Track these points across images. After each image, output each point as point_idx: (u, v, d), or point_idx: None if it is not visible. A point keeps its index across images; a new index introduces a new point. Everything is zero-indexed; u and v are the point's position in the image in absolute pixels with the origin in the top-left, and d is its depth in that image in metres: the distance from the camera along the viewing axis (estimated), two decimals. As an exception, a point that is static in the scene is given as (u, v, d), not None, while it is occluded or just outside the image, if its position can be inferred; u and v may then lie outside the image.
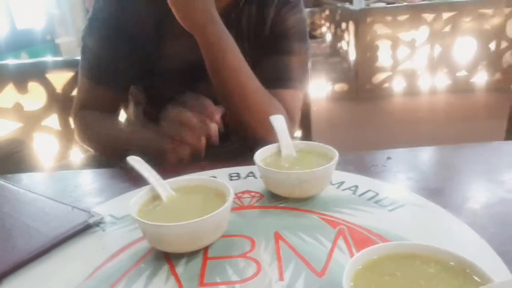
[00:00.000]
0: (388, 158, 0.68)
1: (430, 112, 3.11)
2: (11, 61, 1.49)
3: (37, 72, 1.35)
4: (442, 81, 3.30)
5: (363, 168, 0.65)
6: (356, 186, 0.58)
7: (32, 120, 1.42)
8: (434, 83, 3.32)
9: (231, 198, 0.46)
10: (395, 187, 0.58)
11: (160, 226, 0.43)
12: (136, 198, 0.47)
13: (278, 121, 0.62)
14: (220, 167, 0.66)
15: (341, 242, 0.45)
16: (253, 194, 0.58)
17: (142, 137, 0.73)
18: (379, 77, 3.24)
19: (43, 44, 3.93)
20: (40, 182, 0.72)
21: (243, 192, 0.58)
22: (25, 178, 0.71)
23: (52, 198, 0.57)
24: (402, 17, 3.05)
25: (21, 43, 3.63)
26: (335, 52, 4.10)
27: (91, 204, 0.57)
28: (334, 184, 0.59)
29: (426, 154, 0.73)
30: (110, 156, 0.80)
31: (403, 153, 0.71)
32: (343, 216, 0.51)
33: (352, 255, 0.43)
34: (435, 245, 0.34)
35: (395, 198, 0.54)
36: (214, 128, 0.65)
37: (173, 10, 0.69)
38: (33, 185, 0.68)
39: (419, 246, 0.34)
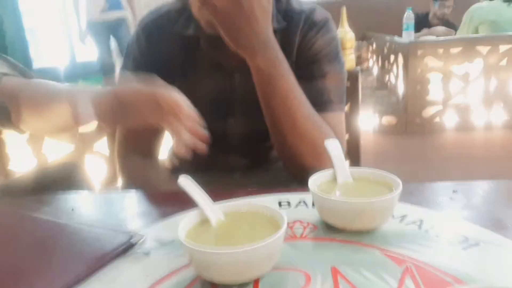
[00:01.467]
0: (454, 191, 0.61)
1: (485, 148, 2.93)
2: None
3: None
4: (498, 116, 3.13)
5: (427, 201, 0.60)
6: (421, 220, 0.52)
7: (84, 143, 1.46)
8: (489, 119, 3.15)
9: (284, 225, 0.42)
10: (465, 223, 0.52)
11: (208, 252, 0.39)
12: (184, 221, 0.45)
13: (333, 146, 0.58)
14: (268, 193, 0.63)
15: (408, 281, 0.40)
16: (305, 224, 0.53)
17: None
18: (430, 110, 3.11)
19: (99, 75, 4.15)
20: (86, 203, 0.71)
21: (295, 222, 0.54)
22: (72, 199, 0.71)
23: (91, 224, 0.55)
24: (454, 50, 2.95)
25: (79, 74, 3.85)
26: (382, 85, 4.02)
27: (137, 227, 0.55)
28: (396, 218, 0.54)
29: (494, 188, 0.66)
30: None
31: (471, 186, 0.64)
32: (409, 252, 0.45)
33: (422, 297, 0.38)
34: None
35: (467, 235, 0.48)
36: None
37: (221, 30, 0.66)
38: (79, 206, 0.68)
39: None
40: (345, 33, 1.88)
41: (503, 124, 3.15)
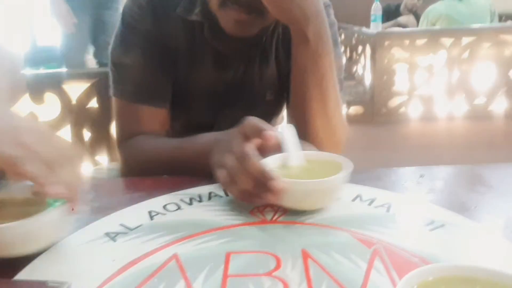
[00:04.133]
0: (421, 175, 0.63)
1: (447, 137, 3.03)
2: (28, 71, 1.49)
3: (54, 83, 1.34)
4: (460, 107, 3.24)
5: (394, 185, 0.61)
6: (389, 204, 0.53)
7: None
8: (452, 109, 3.26)
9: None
10: (432, 206, 0.53)
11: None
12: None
13: (289, 132, 0.57)
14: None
15: (378, 262, 0.41)
16: (276, 208, 0.53)
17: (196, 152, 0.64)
18: (396, 101, 3.19)
19: (61, 61, 3.99)
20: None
21: (265, 206, 0.53)
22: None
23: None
24: (420, 41, 3.02)
25: (41, 59, 3.69)
26: (350, 75, 4.07)
27: (104, 214, 0.53)
28: (365, 201, 0.54)
29: (457, 173, 0.68)
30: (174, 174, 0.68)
31: (437, 171, 0.66)
32: (378, 235, 0.46)
33: (390, 277, 0.38)
34: (498, 269, 0.30)
35: (433, 217, 0.49)
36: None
37: (269, 3, 0.61)
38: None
39: (481, 269, 0.29)
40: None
41: (464, 115, 3.27)
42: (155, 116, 0.77)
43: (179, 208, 0.54)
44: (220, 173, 0.53)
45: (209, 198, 0.57)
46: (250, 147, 0.52)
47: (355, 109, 3.24)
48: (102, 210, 0.54)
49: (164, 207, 0.54)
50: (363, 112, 3.24)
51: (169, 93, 0.78)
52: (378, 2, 3.55)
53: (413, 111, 3.24)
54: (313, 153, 0.59)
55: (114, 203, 0.56)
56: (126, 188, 0.65)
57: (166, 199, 0.56)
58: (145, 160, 0.73)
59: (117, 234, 0.48)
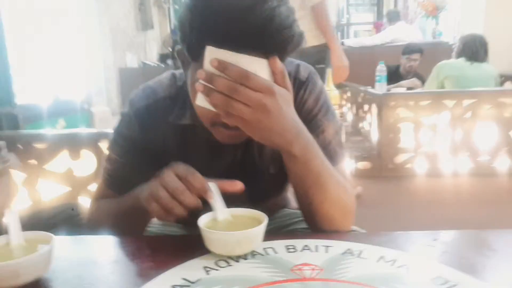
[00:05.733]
0: (435, 239, 0.72)
1: (453, 194, 3.10)
2: (67, 130, 1.62)
3: (91, 141, 1.47)
4: (464, 164, 3.35)
5: (411, 246, 0.70)
6: (409, 265, 0.62)
7: (79, 185, 1.51)
8: (456, 166, 3.36)
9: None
10: (445, 267, 0.62)
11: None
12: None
13: (214, 188, 0.68)
14: (275, 239, 0.71)
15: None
16: (312, 266, 0.62)
17: (131, 203, 0.74)
18: (402, 157, 3.30)
19: (80, 112, 4.18)
20: (105, 246, 0.77)
21: (303, 264, 0.63)
22: (91, 240, 0.77)
23: None
24: (424, 102, 3.19)
25: (62, 110, 3.87)
26: (356, 131, 4.23)
27: (164, 269, 0.62)
28: (388, 261, 0.63)
29: (468, 237, 0.77)
30: (127, 232, 0.78)
31: (448, 235, 0.75)
32: (402, 291, 0.55)
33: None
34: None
35: (447, 278, 0.58)
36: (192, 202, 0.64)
37: (252, 136, 0.66)
38: (98, 248, 0.74)
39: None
40: (330, 91, 2.04)
41: (468, 172, 3.36)
42: None
43: (229, 264, 0.63)
44: (154, 207, 0.64)
45: (253, 256, 0.66)
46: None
47: (363, 164, 3.35)
48: (161, 265, 0.63)
49: (216, 263, 0.64)
50: (370, 167, 3.34)
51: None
52: (383, 64, 3.77)
53: (419, 167, 3.35)
54: (236, 209, 0.72)
55: (172, 258, 0.65)
56: (180, 244, 0.74)
57: (218, 256, 0.65)
58: (100, 219, 0.85)
59: (182, 287, 0.57)
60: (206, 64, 0.62)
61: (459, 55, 3.44)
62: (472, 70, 3.36)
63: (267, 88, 0.62)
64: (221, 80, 0.60)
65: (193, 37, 0.66)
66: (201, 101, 0.64)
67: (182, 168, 0.66)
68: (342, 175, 0.79)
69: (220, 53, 0.61)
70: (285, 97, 0.65)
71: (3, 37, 3.65)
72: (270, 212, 0.91)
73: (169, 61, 6.41)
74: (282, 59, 0.66)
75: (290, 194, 1.04)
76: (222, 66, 0.61)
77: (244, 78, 0.60)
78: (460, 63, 3.41)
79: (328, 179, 0.73)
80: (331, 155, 0.79)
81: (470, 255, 0.67)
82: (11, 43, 4.03)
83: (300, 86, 0.82)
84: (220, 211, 0.69)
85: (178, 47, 0.73)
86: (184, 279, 0.59)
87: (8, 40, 3.74)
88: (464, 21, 5.65)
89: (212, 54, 0.62)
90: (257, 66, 0.62)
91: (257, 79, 0.61)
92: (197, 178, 0.65)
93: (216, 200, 0.68)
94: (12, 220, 0.61)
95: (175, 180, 0.64)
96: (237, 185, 0.68)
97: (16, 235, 0.61)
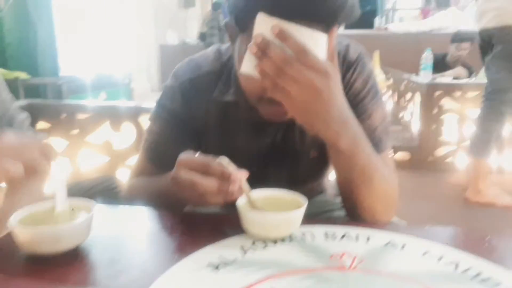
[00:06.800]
0: (488, 238, 0.67)
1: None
2: (109, 102, 1.65)
3: (132, 115, 1.49)
4: (509, 160, 3.19)
5: (461, 244, 0.66)
6: (458, 262, 0.59)
7: (119, 157, 1.54)
8: (501, 162, 3.20)
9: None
10: (499, 268, 0.58)
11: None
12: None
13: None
14: (313, 224, 0.69)
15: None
16: (353, 256, 0.59)
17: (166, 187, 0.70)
18: (443, 150, 3.18)
19: (121, 87, 4.28)
20: (143, 219, 0.77)
21: (343, 253, 0.60)
22: (130, 211, 0.78)
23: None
24: (471, 94, 3.03)
25: (103, 84, 3.98)
26: (396, 120, 4.10)
27: (201, 245, 0.61)
28: (434, 257, 0.60)
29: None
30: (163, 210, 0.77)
31: (503, 237, 0.70)
32: (450, 290, 0.51)
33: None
34: None
35: (501, 279, 0.54)
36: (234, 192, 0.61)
37: (296, 119, 0.63)
38: (136, 220, 0.75)
39: None
40: (377, 75, 1.97)
41: (514, 169, 3.20)
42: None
43: (266, 246, 0.62)
44: (188, 193, 0.62)
45: (290, 240, 0.64)
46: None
47: (401, 155, 3.25)
48: (197, 241, 0.63)
49: (253, 243, 0.62)
50: (409, 159, 3.24)
51: None
52: (430, 51, 3.60)
53: (461, 162, 3.21)
54: (275, 191, 0.70)
55: (209, 236, 0.64)
56: (217, 222, 0.73)
57: (254, 237, 0.64)
58: (138, 196, 0.83)
59: (218, 265, 0.56)
60: (256, 33, 0.60)
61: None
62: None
63: (322, 68, 0.58)
64: (277, 49, 0.57)
65: (242, 5, 0.63)
66: (247, 67, 0.61)
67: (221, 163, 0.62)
68: (387, 165, 0.76)
69: (272, 22, 0.58)
70: (338, 82, 0.61)
71: (50, 10, 3.76)
72: (307, 197, 0.90)
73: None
74: (332, 30, 0.62)
75: (327, 181, 1.01)
76: (283, 35, 0.57)
77: (301, 53, 0.57)
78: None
79: (374, 172, 0.70)
80: (376, 142, 0.76)
81: (524, 258, 0.63)
82: (58, 18, 4.16)
83: (349, 67, 0.79)
84: (257, 194, 0.67)
85: (226, 20, 0.71)
86: (221, 257, 0.58)
87: (55, 15, 3.86)
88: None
89: (262, 22, 0.59)
90: (315, 41, 0.59)
91: (314, 58, 0.58)
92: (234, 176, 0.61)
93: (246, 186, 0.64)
94: (59, 186, 0.62)
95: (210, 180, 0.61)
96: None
97: (61, 201, 0.62)
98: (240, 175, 0.61)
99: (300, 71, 0.57)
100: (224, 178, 0.60)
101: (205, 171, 0.61)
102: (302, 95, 0.58)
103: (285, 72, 0.57)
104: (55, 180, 0.62)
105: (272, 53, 0.57)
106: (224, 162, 0.62)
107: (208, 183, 0.60)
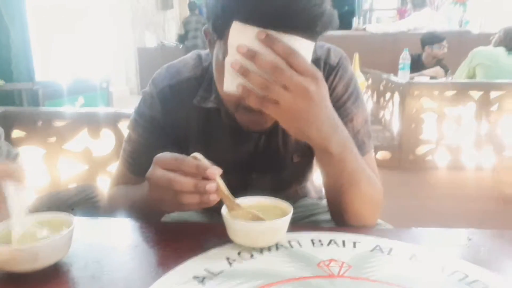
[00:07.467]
0: (469, 239, 0.68)
1: (475, 189, 3.03)
2: (87, 109, 1.60)
3: (111, 121, 1.45)
4: (487, 158, 3.26)
5: (442, 246, 0.66)
6: (444, 265, 0.58)
7: (98, 164, 1.50)
8: (479, 160, 3.27)
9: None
10: (485, 270, 0.58)
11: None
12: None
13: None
14: (299, 231, 0.68)
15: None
16: (340, 263, 0.59)
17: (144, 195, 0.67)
18: (423, 148, 3.22)
19: (99, 91, 4.20)
20: (124, 231, 0.75)
21: (330, 260, 0.59)
22: (110, 223, 0.76)
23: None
24: (449, 93, 3.08)
25: (81, 88, 3.90)
26: (377, 120, 4.14)
27: (185, 257, 0.60)
28: (420, 261, 0.60)
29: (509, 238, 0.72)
30: (144, 219, 0.75)
31: (485, 234, 0.71)
32: (438, 296, 0.51)
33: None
34: None
35: (488, 282, 0.54)
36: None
37: (286, 128, 0.62)
38: (117, 232, 0.72)
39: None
40: (357, 77, 1.97)
41: (492, 167, 3.27)
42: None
43: (252, 257, 0.61)
44: (164, 192, 0.59)
45: (277, 248, 0.63)
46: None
47: (382, 154, 3.29)
48: (181, 253, 0.61)
49: (239, 254, 0.61)
50: (390, 158, 3.27)
51: None
52: (407, 51, 3.66)
53: (441, 159, 3.27)
54: (260, 198, 0.68)
55: (193, 247, 0.63)
56: (201, 232, 0.71)
57: (240, 247, 0.63)
58: (117, 206, 0.80)
59: (204, 278, 0.54)
60: (230, 42, 0.58)
61: (498, 44, 3.34)
62: (507, 60, 3.25)
63: (312, 72, 0.57)
64: (265, 57, 0.55)
65: (219, 12, 0.61)
66: (230, 86, 0.59)
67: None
68: (370, 167, 0.76)
69: (247, 30, 0.57)
70: (326, 86, 0.60)
71: (24, 12, 3.67)
72: (290, 201, 0.89)
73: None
74: (311, 40, 0.60)
75: (310, 184, 1.01)
76: (270, 40, 0.55)
77: (291, 56, 0.56)
78: (497, 52, 3.31)
79: (361, 176, 0.70)
80: (359, 145, 0.76)
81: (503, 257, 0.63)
82: (33, 21, 4.06)
83: (330, 71, 0.78)
84: (244, 200, 0.66)
85: (205, 26, 0.70)
86: (207, 269, 0.57)
87: (29, 18, 3.76)
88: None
89: (237, 31, 0.57)
90: (299, 46, 0.57)
91: (304, 61, 0.56)
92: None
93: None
94: (16, 209, 0.58)
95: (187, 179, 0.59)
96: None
97: (18, 224, 0.58)
98: (216, 171, 0.58)
99: (291, 77, 0.55)
100: (200, 172, 0.57)
101: (181, 168, 0.58)
102: (295, 103, 0.57)
103: (274, 82, 0.55)
104: (13, 202, 0.57)
105: (260, 62, 0.56)
106: (199, 157, 0.60)
107: (184, 180, 0.58)
